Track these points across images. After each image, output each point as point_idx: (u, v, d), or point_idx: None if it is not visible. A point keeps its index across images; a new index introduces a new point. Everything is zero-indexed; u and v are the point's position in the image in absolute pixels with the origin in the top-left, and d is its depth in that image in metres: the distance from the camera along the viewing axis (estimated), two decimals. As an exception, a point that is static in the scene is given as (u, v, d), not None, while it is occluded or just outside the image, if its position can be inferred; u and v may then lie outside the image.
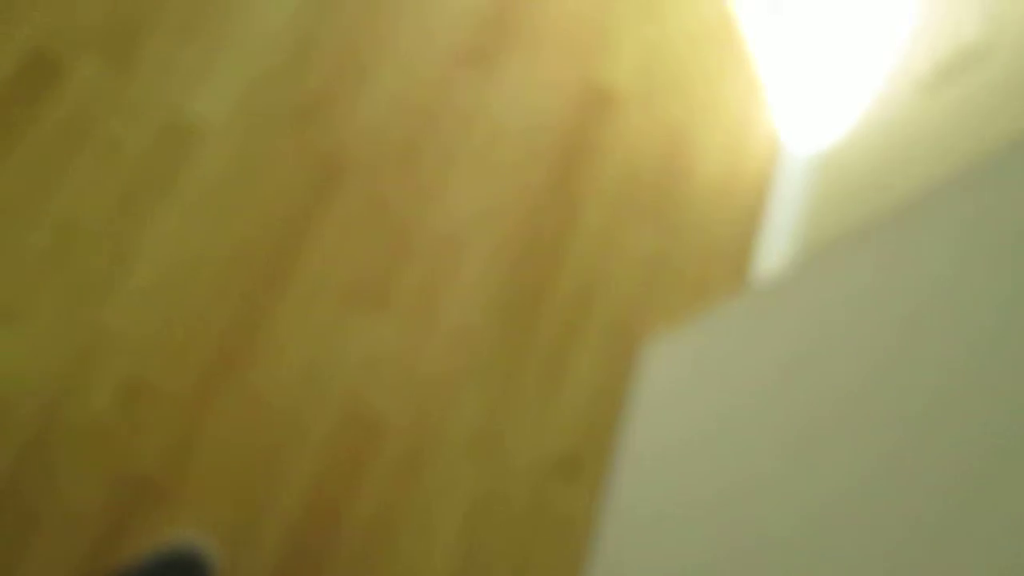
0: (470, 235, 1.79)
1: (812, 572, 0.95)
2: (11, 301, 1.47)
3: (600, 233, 1.92)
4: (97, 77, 1.63)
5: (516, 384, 1.74)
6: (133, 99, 1.64)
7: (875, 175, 1.86)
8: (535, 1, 2.04)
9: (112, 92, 1.63)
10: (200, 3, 1.74)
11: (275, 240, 1.65)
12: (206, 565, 1.39)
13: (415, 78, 1.86)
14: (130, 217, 1.58)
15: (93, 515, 1.42)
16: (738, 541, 1.16)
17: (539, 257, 1.84)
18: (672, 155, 2.07)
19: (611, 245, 1.92)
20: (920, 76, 1.85)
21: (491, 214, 1.83)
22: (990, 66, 1.66)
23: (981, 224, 0.98)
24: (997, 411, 0.74)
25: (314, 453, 1.56)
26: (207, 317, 1.57)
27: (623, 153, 2.01)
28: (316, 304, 1.64)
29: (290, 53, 1.77)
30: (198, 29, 1.73)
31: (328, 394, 1.60)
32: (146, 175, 1.61)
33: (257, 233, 1.65)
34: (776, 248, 2.06)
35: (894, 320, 1.05)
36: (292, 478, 1.54)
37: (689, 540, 1.30)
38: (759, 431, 1.27)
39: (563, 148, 1.95)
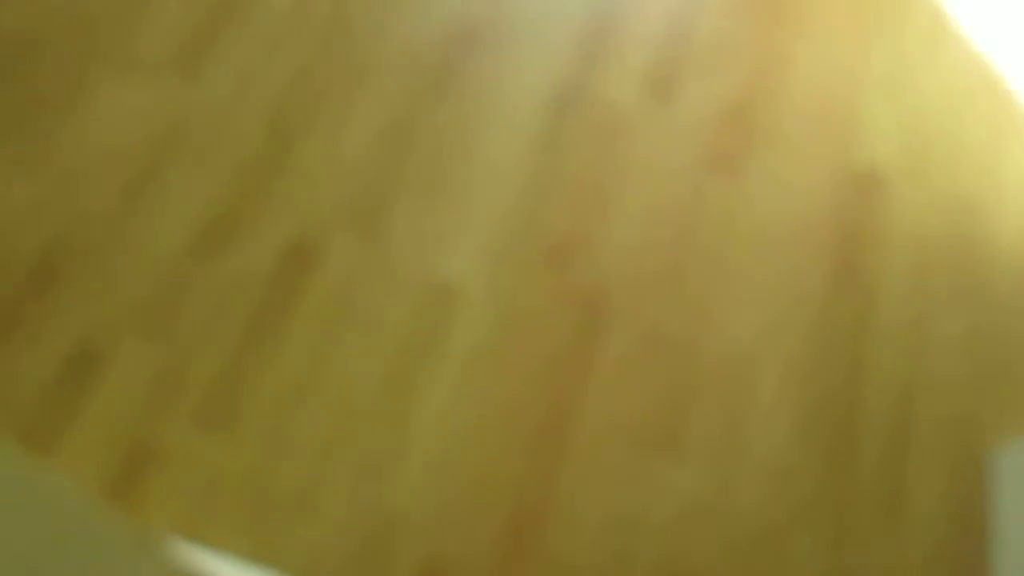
0: (756, 354, 1.60)
1: None
2: (302, 488, 1.42)
3: (903, 327, 1.66)
4: (352, 254, 1.63)
5: (851, 518, 1.47)
6: (388, 269, 1.62)
7: None
8: (773, 92, 1.90)
9: (367, 266, 1.62)
10: (437, 165, 1.73)
11: (549, 391, 1.53)
12: None
13: (663, 197, 1.74)
14: (401, 388, 1.51)
15: None
16: None
17: (838, 365, 1.61)
18: (962, 226, 1.80)
19: (919, 337, 1.66)
20: None
21: (775, 327, 1.63)
22: None
23: None
24: None
25: (632, 625, 1.36)
26: (492, 482, 1.45)
27: (906, 235, 1.77)
28: (602, 453, 1.48)
29: (531, 196, 1.71)
30: (439, 190, 1.70)
31: (635, 552, 1.41)
32: (410, 344, 1.55)
33: (530, 387, 1.53)
34: (1123, 312, 1.71)
35: None
36: (613, 658, 1.34)
37: None
38: None
39: (838, 242, 1.74)
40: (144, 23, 1.86)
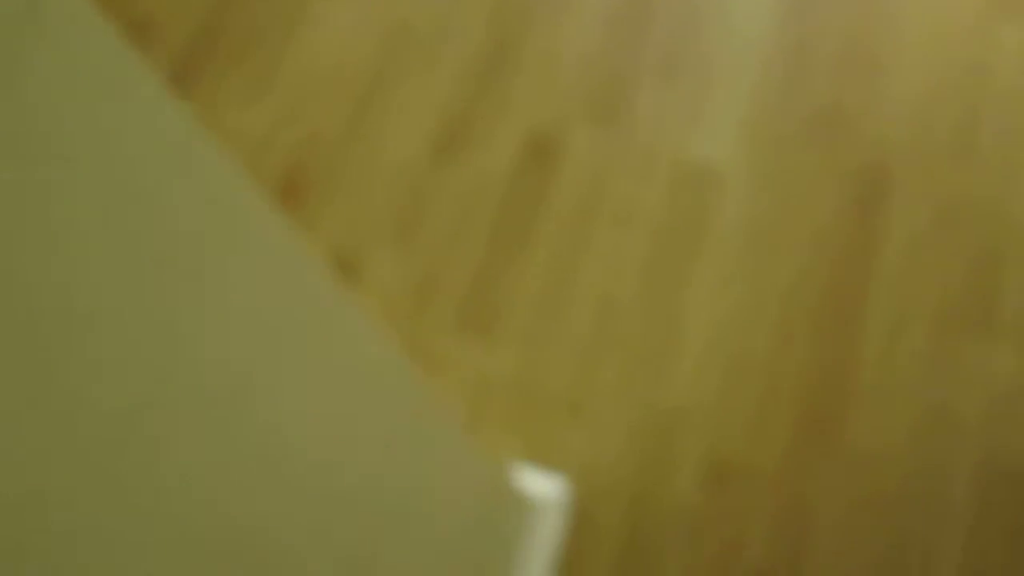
0: (1073, 218, 1.37)
1: None
2: (573, 391, 1.34)
3: None
4: (596, 144, 1.52)
5: None
6: (634, 157, 1.50)
7: None
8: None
9: (611, 155, 1.51)
10: (674, 41, 1.59)
11: (832, 274, 1.37)
12: None
13: (943, 51, 1.52)
14: (665, 278, 1.40)
15: (716, 626, 1.19)
16: None
17: None
18: None
19: None
20: None
21: (1093, 186, 1.39)
22: None
23: None
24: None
25: (958, 527, 1.21)
26: (776, 376, 1.32)
27: None
28: (904, 337, 1.32)
29: (784, 65, 1.54)
30: (680, 66, 1.56)
31: (951, 447, 1.25)
32: (669, 234, 1.44)
33: (809, 270, 1.38)
34: None
35: None
36: (937, 555, 1.19)
37: None
38: None
39: None
40: (356, -68, 1.80)
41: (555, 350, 1.38)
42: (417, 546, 0.79)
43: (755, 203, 1.44)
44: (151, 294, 0.41)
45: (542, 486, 1.26)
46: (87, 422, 0.37)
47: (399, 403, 0.73)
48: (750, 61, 1.55)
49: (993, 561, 1.18)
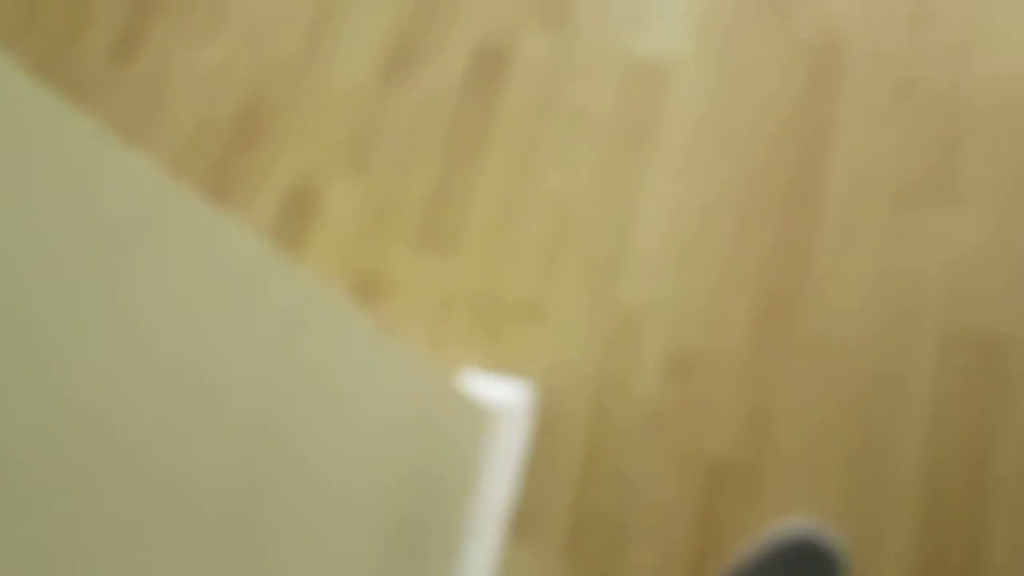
0: (1036, 77, 1.32)
1: None
2: (533, 297, 1.34)
3: None
4: (543, 48, 1.49)
5: None
6: (583, 59, 1.47)
7: None
8: None
9: (560, 59, 1.48)
10: (622, -63, 1.54)
11: (788, 155, 1.35)
12: (835, 554, 1.08)
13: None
14: (621, 177, 1.39)
15: (679, 508, 1.20)
16: None
17: None
18: None
19: None
20: None
21: (1057, 41, 1.34)
22: None
23: None
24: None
25: (920, 398, 1.20)
26: (733, 267, 1.31)
27: None
28: (861, 214, 1.30)
29: (734, -51, 1.49)
30: (628, -37, 1.52)
31: (916, 311, 1.23)
32: (624, 130, 1.42)
33: (765, 157, 1.36)
34: None
35: None
36: (901, 432, 1.19)
37: None
38: None
39: None
40: None
41: (514, 258, 1.38)
42: (342, 447, 0.80)
43: (707, 93, 1.41)
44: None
45: (505, 393, 1.27)
46: None
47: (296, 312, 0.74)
48: (698, -52, 1.50)
49: (957, 434, 1.17)
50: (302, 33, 1.63)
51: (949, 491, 1.15)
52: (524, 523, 1.23)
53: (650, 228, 1.35)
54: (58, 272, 0.41)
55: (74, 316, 0.43)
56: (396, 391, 0.92)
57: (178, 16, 1.71)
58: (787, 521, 1.18)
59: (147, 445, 0.52)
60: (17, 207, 0.41)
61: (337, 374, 0.79)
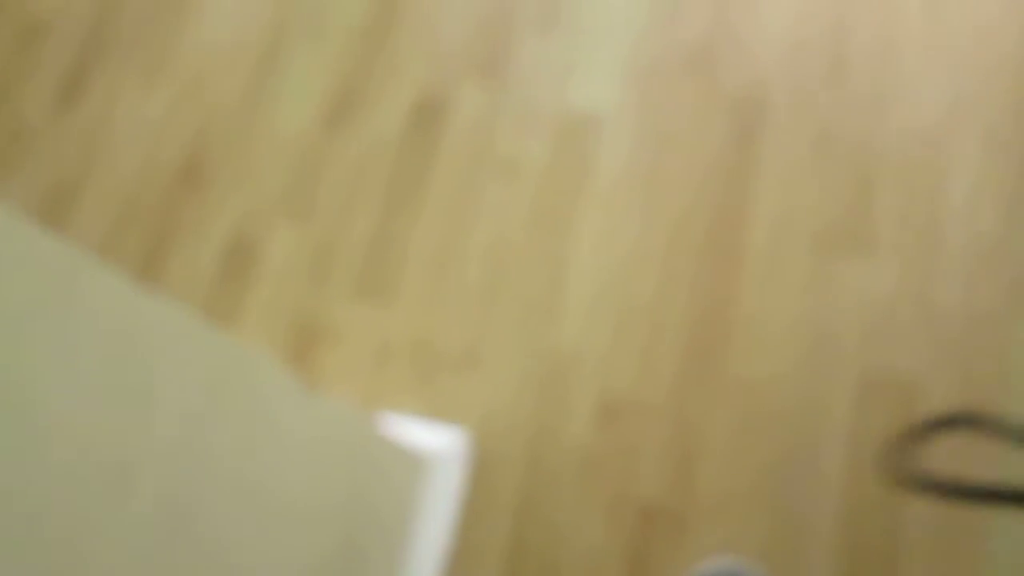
0: (943, 135, 1.40)
1: None
2: (468, 344, 1.38)
3: None
4: (480, 100, 1.54)
5: (1085, 290, 1.28)
6: (517, 110, 1.52)
7: None
8: None
9: (498, 109, 1.53)
10: (556, -8, 1.60)
11: (712, 205, 1.40)
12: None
13: (812, -23, 1.53)
14: (553, 226, 1.43)
15: (609, 551, 1.23)
16: None
17: (1049, 129, 1.38)
18: None
19: None
20: None
21: (964, 101, 1.41)
22: None
23: None
24: None
25: (839, 439, 1.25)
26: (660, 313, 1.35)
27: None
28: (781, 263, 1.35)
29: (659, 4, 1.55)
30: (556, 18, 1.58)
31: (832, 364, 1.28)
32: (556, 180, 1.46)
33: (691, 205, 1.41)
34: None
35: None
36: (822, 471, 1.24)
37: None
38: None
39: (1032, -12, 1.48)
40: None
41: (450, 305, 1.41)
42: (258, 510, 0.83)
43: (637, 145, 1.46)
44: None
45: (440, 439, 1.30)
46: None
47: (211, 376, 0.76)
48: (624, 4, 1.56)
49: (873, 475, 1.22)
50: (245, 80, 1.66)
51: (865, 538, 1.20)
52: (460, 564, 1.26)
53: (581, 275, 1.40)
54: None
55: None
56: (328, 447, 0.95)
57: (122, 63, 1.74)
58: (713, 560, 1.22)
59: (49, 527, 0.53)
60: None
61: (264, 436, 0.82)
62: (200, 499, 0.67)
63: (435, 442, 1.29)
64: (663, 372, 1.32)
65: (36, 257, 0.47)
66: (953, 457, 1.22)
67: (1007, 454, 1.21)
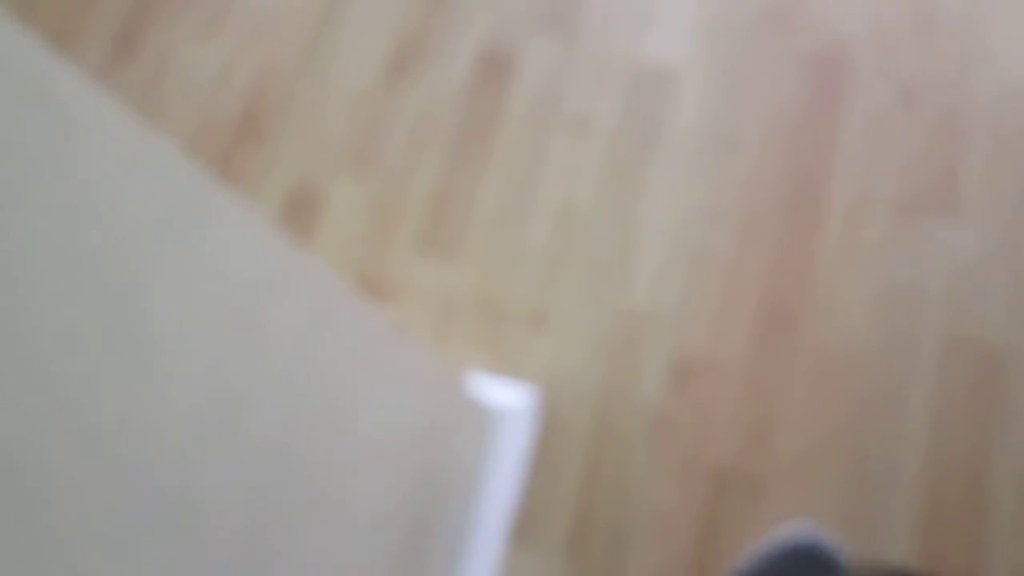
0: (1036, 90, 1.34)
1: None
2: (537, 304, 1.35)
3: None
4: (548, 54, 1.50)
5: None
6: (587, 65, 1.48)
7: None
8: None
9: (564, 64, 1.48)
10: (627, -57, 1.55)
11: (792, 165, 1.36)
12: (835, 560, 1.09)
13: (897, -71, 1.47)
14: (624, 185, 1.39)
15: (680, 515, 1.21)
16: None
17: None
18: None
19: None
20: None
21: (1057, 55, 1.35)
22: None
23: None
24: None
25: (921, 407, 1.21)
26: (737, 276, 1.32)
27: None
28: (863, 224, 1.31)
29: (739, -43, 1.49)
30: (633, -31, 1.52)
31: (915, 326, 1.24)
32: (626, 139, 1.42)
33: (770, 166, 1.37)
34: None
35: None
36: (902, 441, 1.20)
37: None
38: None
39: None
40: None
41: (517, 263, 1.38)
42: (356, 459, 0.81)
43: (712, 100, 1.42)
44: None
45: (509, 396, 1.27)
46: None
47: (317, 311, 0.74)
48: (703, -45, 1.51)
49: (957, 444, 1.19)
50: (305, 32, 1.63)
51: (949, 500, 1.16)
52: (526, 527, 1.24)
53: (654, 235, 1.36)
54: (68, 272, 0.41)
55: (87, 324, 0.43)
56: (410, 393, 0.93)
57: (179, 13, 1.71)
58: (788, 527, 1.19)
59: (158, 463, 0.52)
60: (17, 203, 0.41)
61: (357, 378, 0.79)
62: (303, 434, 0.65)
63: (504, 398, 1.27)
64: (738, 332, 1.28)
65: (171, 174, 0.45)
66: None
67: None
